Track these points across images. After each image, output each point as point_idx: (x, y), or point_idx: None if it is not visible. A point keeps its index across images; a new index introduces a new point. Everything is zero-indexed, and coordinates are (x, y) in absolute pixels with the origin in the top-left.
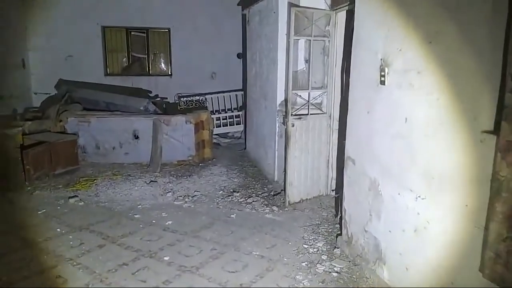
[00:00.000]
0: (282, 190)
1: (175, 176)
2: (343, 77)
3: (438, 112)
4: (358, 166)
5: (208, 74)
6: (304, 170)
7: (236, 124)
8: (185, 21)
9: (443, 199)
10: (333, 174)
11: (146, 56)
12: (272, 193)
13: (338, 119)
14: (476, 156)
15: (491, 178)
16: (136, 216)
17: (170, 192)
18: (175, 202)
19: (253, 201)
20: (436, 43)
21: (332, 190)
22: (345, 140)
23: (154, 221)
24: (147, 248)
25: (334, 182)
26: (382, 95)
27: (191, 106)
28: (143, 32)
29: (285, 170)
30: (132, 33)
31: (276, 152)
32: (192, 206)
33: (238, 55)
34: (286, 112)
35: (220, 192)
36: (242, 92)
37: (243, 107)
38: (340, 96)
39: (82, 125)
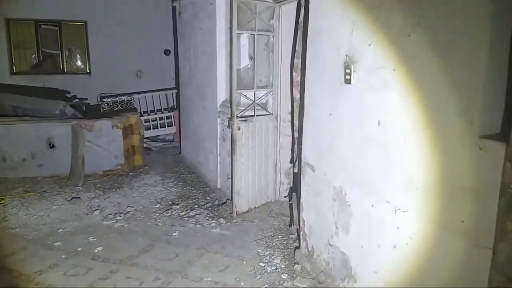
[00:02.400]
0: (228, 199)
1: (102, 189)
2: (292, 75)
3: (421, 115)
4: (319, 173)
5: (133, 72)
6: (251, 176)
7: (168, 126)
8: (104, 13)
9: (430, 213)
10: (281, 178)
11: (59, 52)
12: (216, 203)
13: (284, 120)
14: (473, 165)
15: (499, 192)
16: (56, 243)
17: (97, 209)
18: (104, 222)
19: (196, 214)
20: (417, 36)
21: (285, 197)
22: (301, 144)
23: (79, 249)
24: (73, 286)
25: (282, 187)
26: (347, 95)
27: (116, 108)
28: (55, 25)
29: (231, 178)
30: (42, 26)
31: (219, 157)
32: (126, 225)
33: (165, 52)
34: (231, 114)
35: (157, 206)
36: (174, 91)
37: (176, 107)
38: (290, 96)
39: None
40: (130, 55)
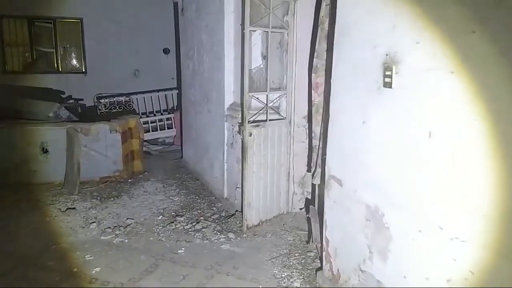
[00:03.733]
0: (236, 210)
1: (99, 198)
2: (311, 76)
3: (488, 129)
4: (348, 189)
5: (131, 72)
6: (263, 186)
7: (168, 128)
8: (101, 10)
9: (498, 245)
10: (294, 188)
11: (54, 50)
12: (224, 215)
13: (298, 126)
14: None
15: None
16: (49, 263)
17: (94, 222)
18: (102, 237)
19: (202, 227)
20: (482, 32)
21: (300, 209)
22: (325, 155)
23: (75, 270)
24: None
25: (295, 197)
26: (386, 101)
27: (114, 110)
28: (50, 23)
29: (241, 188)
30: (36, 23)
31: (226, 164)
32: (126, 240)
33: (165, 50)
34: (242, 118)
35: (160, 218)
36: (174, 92)
37: (176, 108)
38: (305, 99)
39: None
40: (128, 54)
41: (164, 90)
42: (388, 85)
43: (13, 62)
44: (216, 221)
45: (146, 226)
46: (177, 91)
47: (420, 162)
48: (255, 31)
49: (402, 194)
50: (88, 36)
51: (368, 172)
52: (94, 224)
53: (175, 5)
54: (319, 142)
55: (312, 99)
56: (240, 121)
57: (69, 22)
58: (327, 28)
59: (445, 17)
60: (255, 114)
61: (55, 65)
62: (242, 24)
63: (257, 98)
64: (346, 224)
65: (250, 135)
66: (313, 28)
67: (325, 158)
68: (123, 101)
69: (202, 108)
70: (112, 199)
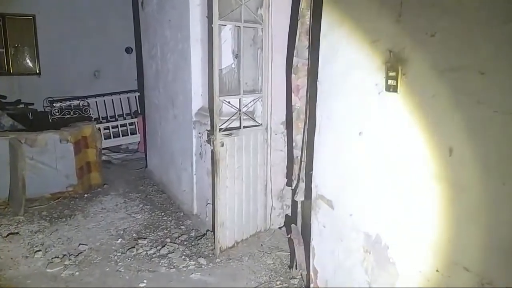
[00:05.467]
0: (208, 230)
1: (48, 218)
2: (290, 77)
3: None
4: (341, 212)
5: (89, 73)
6: (238, 202)
7: (131, 134)
8: (56, 6)
9: None
10: (272, 202)
11: (3, 50)
12: (193, 234)
13: (275, 132)
14: None
15: None
16: None
17: (39, 250)
18: (48, 270)
19: (169, 251)
20: None
21: (280, 227)
22: (311, 170)
23: None
24: None
25: (273, 212)
26: (390, 108)
27: (68, 115)
28: None
29: (212, 205)
30: None
31: (195, 177)
32: (77, 273)
33: (127, 50)
34: (211, 126)
35: (119, 241)
36: (137, 94)
37: (140, 112)
38: (283, 103)
39: None
40: (86, 54)
41: (126, 92)
42: (392, 88)
43: None
44: (185, 243)
45: (102, 253)
46: (139, 94)
47: (440, 184)
48: (225, 25)
49: (414, 224)
50: (42, 34)
51: (367, 193)
52: (40, 252)
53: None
54: (301, 152)
55: (293, 104)
56: (209, 128)
57: (20, 18)
58: (308, 22)
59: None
60: (227, 121)
61: (6, 66)
62: (209, 18)
63: (229, 103)
64: (338, 254)
65: (222, 145)
66: (291, 23)
67: (310, 174)
68: (80, 104)
69: (167, 113)
70: (63, 219)
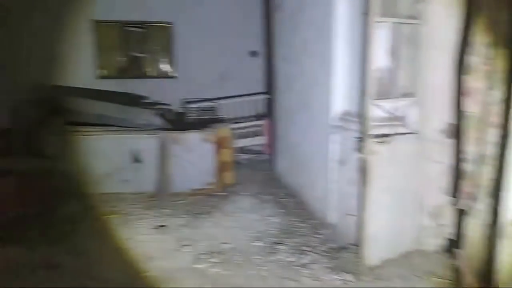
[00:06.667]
0: (351, 244)
1: (191, 213)
2: (460, 78)
3: None
4: None
5: (216, 76)
6: (387, 217)
7: (256, 136)
8: (192, 14)
9: None
10: (425, 220)
11: (145, 55)
12: (334, 246)
13: (432, 142)
14: None
15: None
16: None
17: (187, 244)
18: (195, 265)
19: (309, 261)
20: None
21: (447, 251)
22: (499, 189)
23: None
24: None
25: (425, 231)
26: None
27: (203, 117)
28: (141, 27)
29: (359, 217)
30: (128, 28)
31: (332, 185)
32: (223, 272)
33: (253, 53)
34: (362, 132)
35: (257, 244)
36: (265, 97)
37: (266, 115)
38: (451, 108)
39: None
40: (214, 57)
41: (253, 95)
42: None
43: (107, 68)
44: (325, 254)
45: (243, 254)
46: (267, 97)
47: None
48: (383, 22)
49: None
50: (179, 40)
51: None
52: (188, 247)
53: (266, 1)
54: (479, 167)
55: (463, 109)
56: (355, 135)
57: (160, 26)
58: (492, 14)
59: None
60: (379, 127)
61: (146, 70)
62: (366, 13)
63: (381, 107)
64: None
65: (374, 153)
66: (465, 16)
67: (499, 194)
68: (211, 106)
69: (300, 116)
70: (204, 215)
